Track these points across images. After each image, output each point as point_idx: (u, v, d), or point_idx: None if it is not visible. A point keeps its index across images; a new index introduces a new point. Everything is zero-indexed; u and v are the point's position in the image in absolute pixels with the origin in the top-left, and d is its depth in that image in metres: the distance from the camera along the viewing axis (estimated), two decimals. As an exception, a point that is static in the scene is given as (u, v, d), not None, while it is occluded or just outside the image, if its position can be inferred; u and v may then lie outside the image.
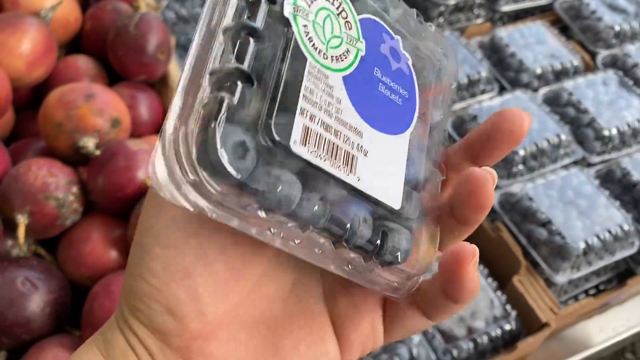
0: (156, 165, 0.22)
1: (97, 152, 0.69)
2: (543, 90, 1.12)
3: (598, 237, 0.90)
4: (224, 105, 0.22)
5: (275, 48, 0.24)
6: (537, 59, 1.16)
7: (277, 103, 0.23)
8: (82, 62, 0.84)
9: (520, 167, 1.00)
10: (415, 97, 0.29)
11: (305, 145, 0.24)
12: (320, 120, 0.24)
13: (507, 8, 1.34)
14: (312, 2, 0.26)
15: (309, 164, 0.24)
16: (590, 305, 0.93)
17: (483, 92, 1.14)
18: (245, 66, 0.23)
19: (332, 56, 0.26)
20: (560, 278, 0.88)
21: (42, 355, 0.61)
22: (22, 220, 0.65)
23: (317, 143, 0.24)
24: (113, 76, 0.86)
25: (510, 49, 1.17)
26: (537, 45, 1.19)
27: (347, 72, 0.26)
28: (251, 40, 0.23)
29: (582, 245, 0.88)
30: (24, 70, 0.75)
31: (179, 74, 0.87)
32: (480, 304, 0.88)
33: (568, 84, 1.12)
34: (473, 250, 0.27)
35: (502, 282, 0.92)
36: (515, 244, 0.92)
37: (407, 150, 0.28)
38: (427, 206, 0.29)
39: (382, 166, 0.27)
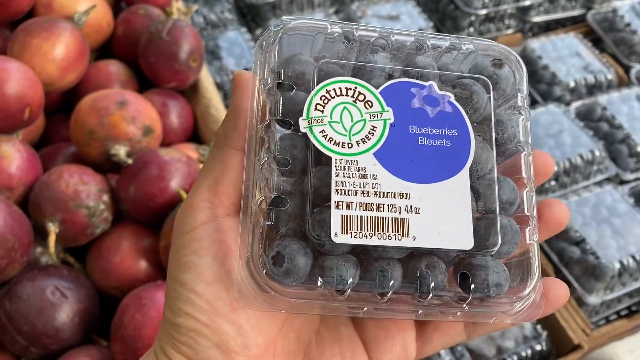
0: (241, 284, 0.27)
1: (129, 161, 0.68)
2: (576, 104, 1.10)
3: (633, 257, 0.88)
4: (265, 228, 0.27)
5: (304, 160, 0.28)
6: (570, 71, 1.14)
7: (313, 206, 0.27)
8: (114, 68, 0.83)
9: (552, 182, 0.98)
10: (467, 128, 0.30)
11: (347, 232, 0.27)
12: (358, 204, 0.27)
13: (538, 19, 1.32)
14: (325, 105, 0.29)
15: (357, 245, 0.27)
16: (622, 327, 0.90)
17: (514, 104, 1.12)
18: (274, 194, 0.28)
19: (356, 141, 0.29)
20: (594, 299, 0.86)
21: (70, 366, 0.60)
22: (52, 229, 0.65)
23: (359, 226, 0.27)
24: (143, 82, 0.85)
25: (542, 61, 1.15)
26: (570, 57, 1.17)
27: (377, 147, 0.29)
28: (275, 167, 0.28)
29: (617, 266, 0.86)
30: (56, 75, 0.75)
31: (209, 79, 0.86)
32: (510, 323, 0.86)
33: (602, 99, 1.10)
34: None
35: (533, 300, 0.89)
36: (546, 262, 0.90)
37: (470, 184, 0.29)
38: (523, 223, 0.30)
39: (441, 214, 0.28)
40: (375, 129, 0.29)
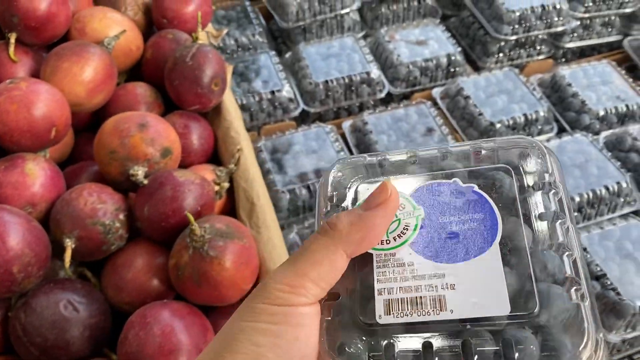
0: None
1: (145, 181, 0.70)
2: (605, 134, 1.07)
3: (657, 295, 0.85)
4: (325, 324, 0.32)
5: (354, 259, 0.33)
6: (601, 100, 1.12)
7: (361, 298, 0.33)
8: (141, 90, 0.87)
9: (575, 214, 0.96)
10: (493, 209, 0.34)
11: (390, 313, 0.31)
12: (398, 289, 0.32)
13: (571, 45, 1.30)
14: None
15: (402, 324, 0.31)
16: (645, 367, 0.87)
17: (540, 132, 1.10)
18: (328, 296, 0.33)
19: (393, 237, 0.34)
20: (614, 337, 0.84)
21: (78, 378, 0.63)
22: (69, 244, 0.68)
23: (400, 307, 0.32)
24: (169, 104, 0.88)
25: (572, 88, 1.13)
26: (601, 85, 1.14)
27: (412, 239, 0.34)
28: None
29: None
30: (84, 96, 0.79)
31: (233, 102, 0.88)
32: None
33: (633, 128, 1.07)
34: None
35: (550, 334, 0.87)
36: (565, 296, 0.88)
37: (501, 258, 0.32)
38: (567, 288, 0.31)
39: (475, 287, 0.31)
40: (408, 225, 0.34)
